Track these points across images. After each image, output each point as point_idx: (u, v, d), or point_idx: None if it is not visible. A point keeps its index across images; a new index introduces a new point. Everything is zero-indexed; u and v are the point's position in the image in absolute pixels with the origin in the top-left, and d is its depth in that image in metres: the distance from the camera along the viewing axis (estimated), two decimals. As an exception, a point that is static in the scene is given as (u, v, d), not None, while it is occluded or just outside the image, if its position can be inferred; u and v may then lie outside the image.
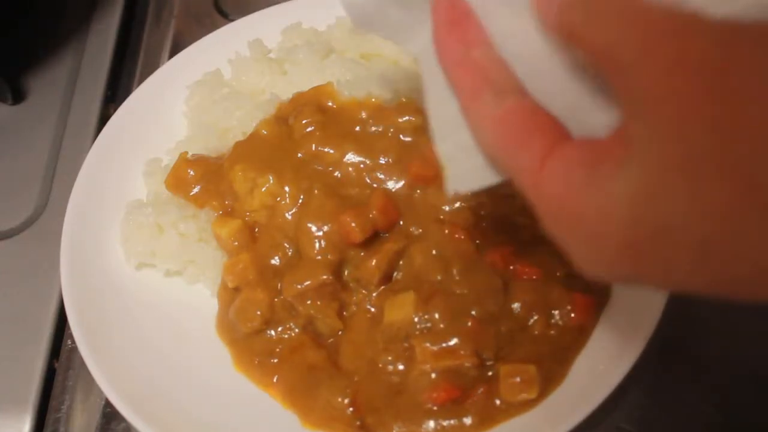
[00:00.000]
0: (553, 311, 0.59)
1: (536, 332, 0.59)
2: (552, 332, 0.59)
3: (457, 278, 0.60)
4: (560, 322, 0.59)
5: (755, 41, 0.29)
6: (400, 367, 0.59)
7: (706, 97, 0.29)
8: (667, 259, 0.32)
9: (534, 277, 0.60)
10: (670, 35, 0.30)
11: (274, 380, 0.61)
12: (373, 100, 0.66)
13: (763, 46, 0.29)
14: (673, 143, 0.30)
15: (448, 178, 0.40)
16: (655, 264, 0.32)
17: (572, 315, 0.59)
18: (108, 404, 0.62)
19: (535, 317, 0.59)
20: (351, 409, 0.57)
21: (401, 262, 0.62)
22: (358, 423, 0.57)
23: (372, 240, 0.61)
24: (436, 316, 0.58)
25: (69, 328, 0.63)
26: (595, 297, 0.60)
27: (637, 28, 0.30)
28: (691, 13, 0.30)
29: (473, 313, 0.58)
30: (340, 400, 0.58)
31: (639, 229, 0.31)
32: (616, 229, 0.32)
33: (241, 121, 0.70)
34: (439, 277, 0.60)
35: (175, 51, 0.81)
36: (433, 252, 0.61)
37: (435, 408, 0.57)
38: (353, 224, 0.60)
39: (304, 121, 0.65)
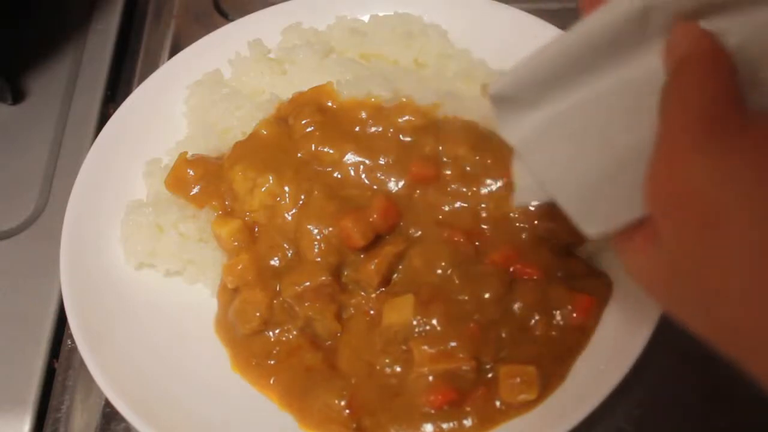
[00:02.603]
0: (554, 311, 0.59)
1: (537, 333, 0.59)
2: (553, 333, 0.59)
3: (457, 282, 0.60)
4: (561, 323, 0.59)
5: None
6: (398, 369, 0.59)
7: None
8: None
9: (535, 277, 0.60)
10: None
11: (271, 382, 0.61)
12: (373, 100, 0.66)
13: None
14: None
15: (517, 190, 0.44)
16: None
17: (573, 315, 0.59)
18: (108, 404, 0.62)
19: (537, 318, 0.59)
20: (347, 411, 0.57)
21: (400, 266, 0.62)
22: (354, 425, 0.57)
23: (372, 242, 0.61)
24: (435, 320, 0.58)
25: (69, 328, 0.63)
26: (596, 297, 0.60)
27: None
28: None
29: (474, 318, 0.58)
30: (336, 402, 0.57)
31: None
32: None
33: (241, 121, 0.70)
34: (438, 281, 0.60)
35: (175, 51, 0.81)
36: (433, 255, 0.60)
37: (432, 411, 0.57)
38: (354, 229, 0.60)
39: (303, 121, 0.65)
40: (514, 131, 0.41)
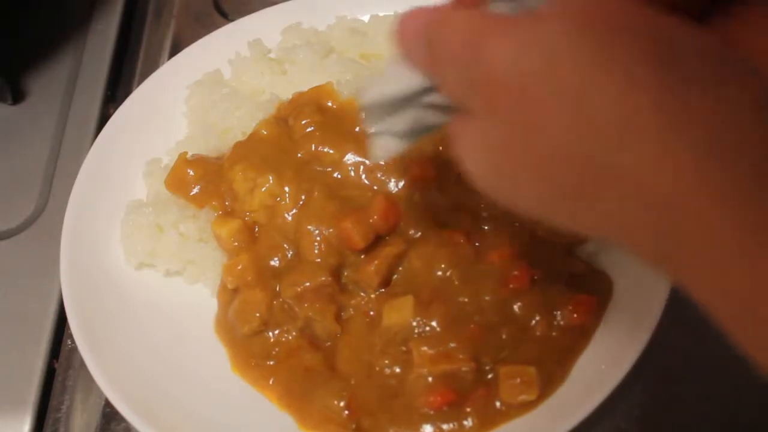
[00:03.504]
0: (554, 312, 0.59)
1: (538, 333, 0.59)
2: (554, 333, 0.59)
3: (457, 283, 0.60)
4: (562, 323, 0.59)
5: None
6: (397, 370, 0.59)
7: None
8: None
9: (535, 277, 0.60)
10: None
11: (270, 382, 0.61)
12: (373, 100, 0.66)
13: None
14: None
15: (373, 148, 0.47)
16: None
17: (574, 315, 0.59)
18: (108, 404, 0.62)
19: (537, 318, 0.59)
20: (347, 411, 0.57)
21: (400, 267, 0.62)
22: (353, 426, 0.57)
23: (372, 243, 0.61)
24: (435, 321, 0.58)
25: (69, 328, 0.63)
26: (596, 297, 0.60)
27: None
28: None
29: (474, 319, 0.58)
30: (335, 403, 0.57)
31: None
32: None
33: (241, 121, 0.70)
34: (438, 282, 0.60)
35: (175, 51, 0.81)
36: (433, 256, 0.60)
37: (431, 412, 0.57)
38: (354, 231, 0.60)
39: (303, 122, 0.65)
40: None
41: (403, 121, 0.43)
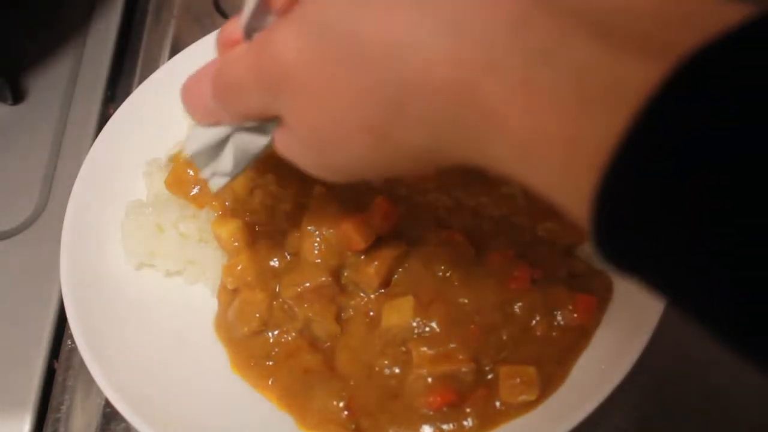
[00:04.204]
0: (555, 312, 0.59)
1: (538, 333, 0.59)
2: (554, 333, 0.59)
3: (457, 283, 0.60)
4: (562, 323, 0.59)
5: None
6: (397, 370, 0.59)
7: None
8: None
9: (535, 277, 0.60)
10: None
11: (270, 383, 0.61)
12: (373, 100, 0.66)
13: None
14: None
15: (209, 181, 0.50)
16: None
17: (574, 315, 0.59)
18: (108, 404, 0.62)
19: (537, 318, 0.59)
20: (346, 412, 0.57)
21: (400, 268, 0.62)
22: (353, 426, 0.57)
23: (372, 244, 0.61)
24: (435, 322, 0.58)
25: (69, 328, 0.63)
26: (597, 296, 0.60)
27: None
28: None
29: (474, 320, 0.58)
30: (335, 403, 0.57)
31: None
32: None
33: (241, 121, 0.70)
34: (438, 283, 0.60)
35: (175, 51, 0.81)
36: (433, 257, 0.60)
37: (431, 413, 0.57)
38: (355, 232, 0.60)
39: (303, 122, 0.65)
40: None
41: (228, 158, 0.47)
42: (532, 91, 0.29)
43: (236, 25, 0.45)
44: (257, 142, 0.46)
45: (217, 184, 0.50)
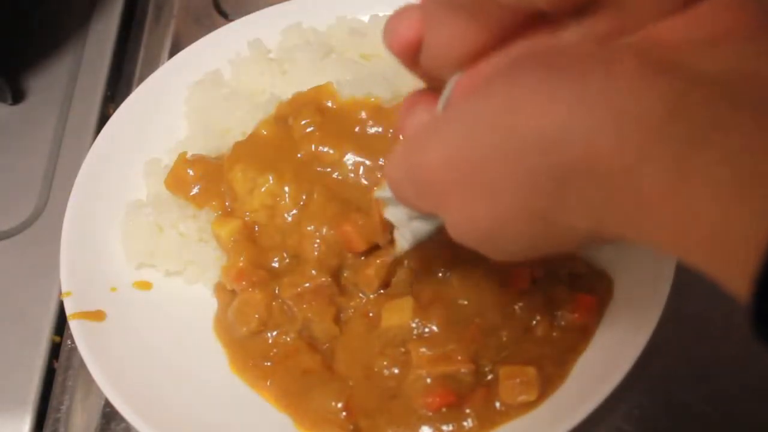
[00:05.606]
0: (555, 312, 0.59)
1: (539, 334, 0.59)
2: (554, 333, 0.59)
3: (456, 285, 0.59)
4: (563, 323, 0.59)
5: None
6: (396, 371, 0.59)
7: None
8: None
9: (535, 277, 0.60)
10: None
11: (268, 383, 0.61)
12: (373, 100, 0.66)
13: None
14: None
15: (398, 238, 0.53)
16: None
17: (575, 315, 0.59)
18: (108, 404, 0.62)
19: (538, 319, 0.59)
20: (344, 413, 0.57)
21: (399, 269, 0.61)
22: (351, 427, 0.57)
23: (372, 245, 0.61)
24: (434, 323, 0.58)
25: (69, 328, 0.63)
26: (597, 297, 0.60)
27: None
28: None
29: (474, 320, 0.58)
30: (333, 404, 0.57)
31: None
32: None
33: (241, 121, 0.70)
34: (438, 284, 0.60)
35: (175, 51, 0.80)
36: (432, 258, 0.60)
37: (430, 413, 0.57)
38: (355, 234, 0.60)
39: (303, 122, 0.65)
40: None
41: (407, 235, 0.51)
42: (687, 176, 0.30)
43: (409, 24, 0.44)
44: (424, 228, 0.50)
45: (399, 247, 0.54)
